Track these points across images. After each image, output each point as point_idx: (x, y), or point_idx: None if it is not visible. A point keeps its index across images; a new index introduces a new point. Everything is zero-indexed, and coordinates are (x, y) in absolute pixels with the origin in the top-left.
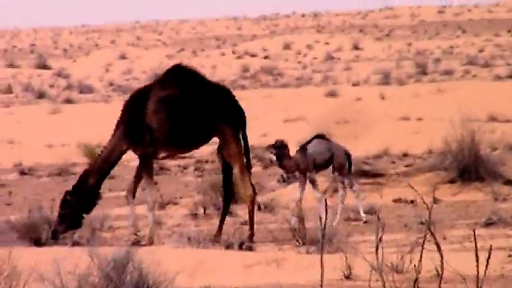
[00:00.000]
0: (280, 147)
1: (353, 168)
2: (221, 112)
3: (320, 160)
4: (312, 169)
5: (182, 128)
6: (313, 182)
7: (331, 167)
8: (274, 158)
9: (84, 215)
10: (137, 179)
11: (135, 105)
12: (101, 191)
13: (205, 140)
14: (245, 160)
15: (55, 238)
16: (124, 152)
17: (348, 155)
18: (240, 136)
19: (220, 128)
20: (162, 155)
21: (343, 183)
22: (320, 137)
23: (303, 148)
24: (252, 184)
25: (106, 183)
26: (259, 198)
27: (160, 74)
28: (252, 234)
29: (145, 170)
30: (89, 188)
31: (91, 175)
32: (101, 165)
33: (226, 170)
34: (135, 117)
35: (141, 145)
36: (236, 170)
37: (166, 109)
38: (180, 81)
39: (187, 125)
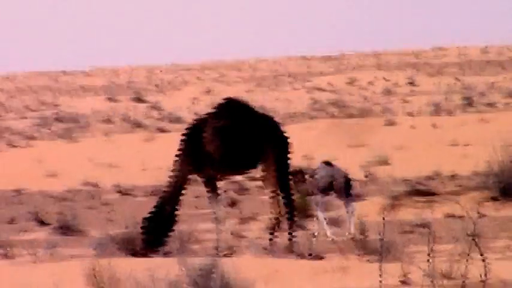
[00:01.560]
0: (296, 174)
1: (407, 188)
2: (267, 139)
3: (323, 183)
4: (317, 192)
5: (235, 153)
6: (316, 204)
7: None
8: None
9: (165, 237)
10: (214, 199)
11: (194, 136)
12: (189, 207)
13: (256, 163)
14: (286, 181)
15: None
16: (188, 176)
17: (347, 180)
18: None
19: (265, 152)
20: (220, 176)
21: (345, 204)
22: (326, 163)
23: (311, 174)
24: (279, 206)
25: (192, 202)
26: (328, 214)
27: (214, 107)
28: (271, 242)
29: (210, 191)
30: (166, 214)
31: (166, 203)
32: (172, 193)
33: (285, 191)
34: (195, 145)
35: (204, 169)
36: (269, 191)
37: (221, 137)
38: (232, 113)
39: (240, 150)
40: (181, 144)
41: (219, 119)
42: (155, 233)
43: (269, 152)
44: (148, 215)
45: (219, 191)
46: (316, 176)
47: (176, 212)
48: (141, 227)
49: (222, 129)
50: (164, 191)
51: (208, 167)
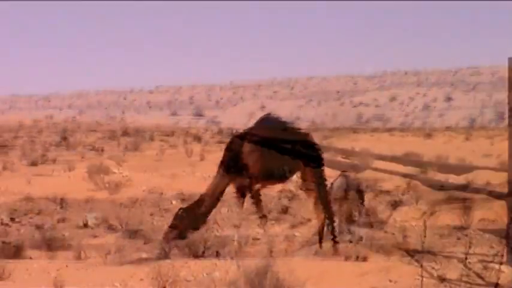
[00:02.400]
0: None
1: (445, 195)
2: (301, 152)
3: (339, 193)
4: (332, 201)
5: (272, 165)
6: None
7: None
8: None
9: (191, 231)
10: (258, 205)
11: (234, 148)
12: (244, 213)
13: (290, 175)
14: (323, 190)
15: (166, 241)
16: (227, 186)
17: (359, 190)
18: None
19: (301, 165)
20: (256, 186)
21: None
22: (343, 174)
23: (331, 184)
24: (322, 212)
25: (248, 208)
26: (371, 219)
27: (254, 122)
28: (320, 245)
29: (241, 197)
30: (200, 212)
31: (204, 203)
32: (212, 198)
33: (322, 199)
34: (234, 157)
35: (239, 179)
36: (311, 199)
37: (259, 150)
38: (270, 128)
39: (276, 162)
40: (223, 155)
41: (257, 133)
42: (182, 224)
43: (303, 164)
44: (184, 207)
45: (261, 199)
46: (335, 187)
47: (208, 215)
48: (174, 215)
49: (260, 143)
50: (204, 193)
51: (245, 177)
